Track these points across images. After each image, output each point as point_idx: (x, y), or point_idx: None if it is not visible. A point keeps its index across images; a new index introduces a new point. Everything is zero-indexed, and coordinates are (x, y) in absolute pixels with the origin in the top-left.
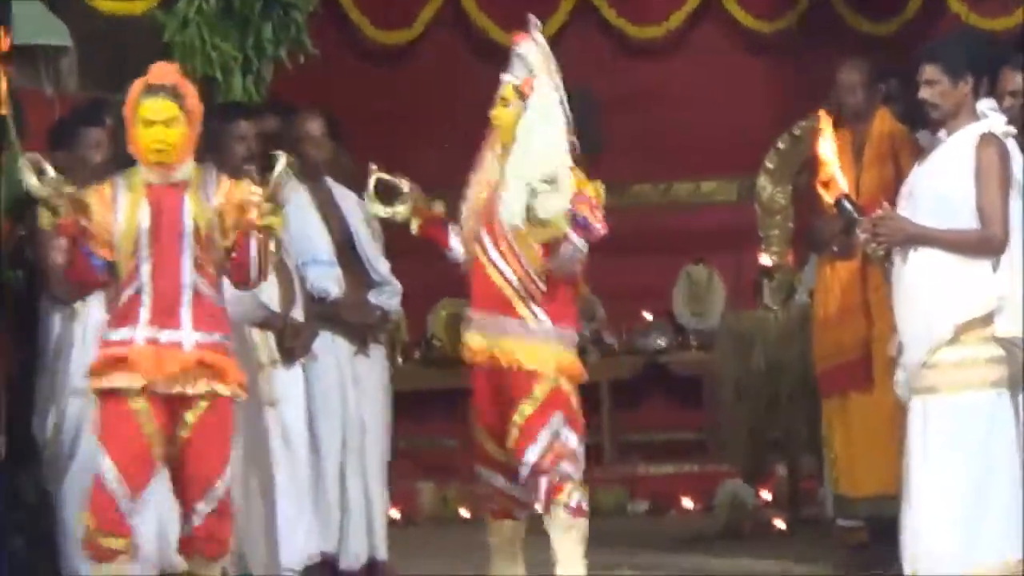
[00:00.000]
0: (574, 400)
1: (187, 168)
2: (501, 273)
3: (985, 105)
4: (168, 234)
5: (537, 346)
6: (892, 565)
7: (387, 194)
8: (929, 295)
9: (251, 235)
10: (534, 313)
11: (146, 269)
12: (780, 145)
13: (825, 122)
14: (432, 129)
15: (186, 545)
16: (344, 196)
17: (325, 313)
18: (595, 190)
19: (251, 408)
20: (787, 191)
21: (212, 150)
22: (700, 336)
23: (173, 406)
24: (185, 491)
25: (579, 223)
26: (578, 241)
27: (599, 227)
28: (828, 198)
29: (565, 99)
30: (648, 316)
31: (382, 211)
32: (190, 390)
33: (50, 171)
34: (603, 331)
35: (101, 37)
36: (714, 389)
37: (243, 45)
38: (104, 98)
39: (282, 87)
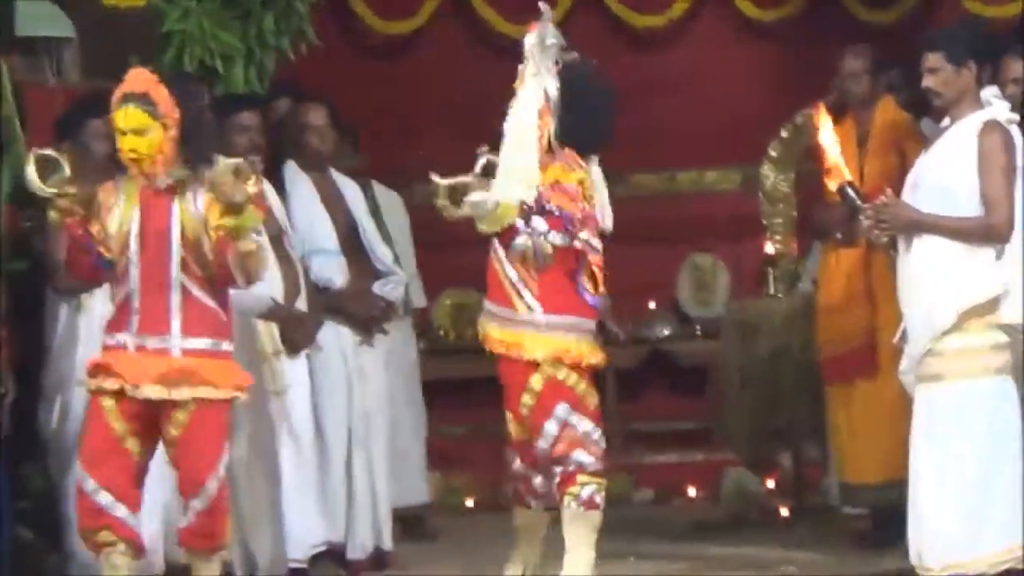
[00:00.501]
0: (580, 386)
1: (175, 173)
2: (500, 263)
3: (989, 93)
4: (156, 239)
5: (528, 335)
6: (896, 552)
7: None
8: (932, 282)
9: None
10: (527, 303)
11: (135, 273)
12: (783, 134)
13: (823, 114)
14: (434, 119)
15: (183, 539)
16: (348, 186)
17: (329, 304)
18: (579, 180)
19: (256, 398)
20: (790, 179)
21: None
22: (704, 325)
23: (162, 407)
24: (181, 488)
25: (551, 212)
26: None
27: (578, 217)
28: (831, 186)
29: (555, 88)
30: (652, 305)
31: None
32: (175, 395)
33: (65, 169)
34: (607, 320)
35: (103, 28)
36: (717, 378)
37: (245, 35)
38: (107, 89)
39: (284, 78)
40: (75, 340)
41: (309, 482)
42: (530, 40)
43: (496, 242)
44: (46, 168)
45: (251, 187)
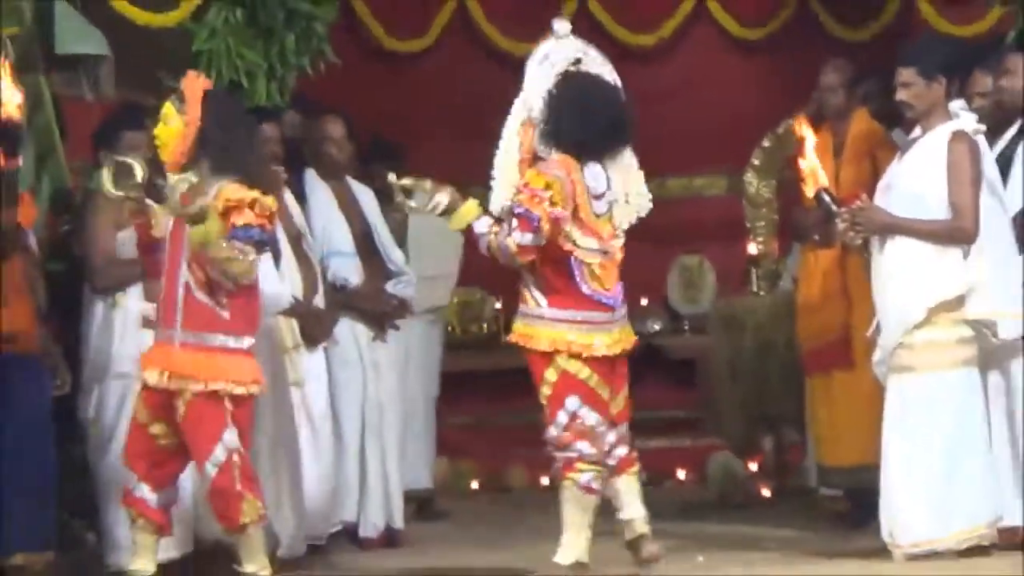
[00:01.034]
0: (592, 379)
1: (183, 178)
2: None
3: (957, 105)
4: (175, 242)
5: (538, 328)
6: (870, 531)
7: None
8: (904, 280)
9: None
10: (535, 298)
11: (165, 272)
12: (765, 143)
13: (804, 125)
14: (444, 131)
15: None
16: (363, 193)
17: (346, 301)
18: (547, 183)
19: (278, 389)
20: (772, 185)
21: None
22: (692, 320)
23: (169, 396)
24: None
25: (517, 213)
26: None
27: (538, 215)
28: (808, 192)
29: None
30: (644, 302)
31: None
32: (171, 385)
33: (138, 175)
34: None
35: (136, 46)
36: (706, 369)
37: (268, 54)
38: (139, 102)
39: (304, 93)
40: (111, 335)
41: (326, 466)
42: (533, 54)
43: None
44: (121, 174)
45: (208, 197)
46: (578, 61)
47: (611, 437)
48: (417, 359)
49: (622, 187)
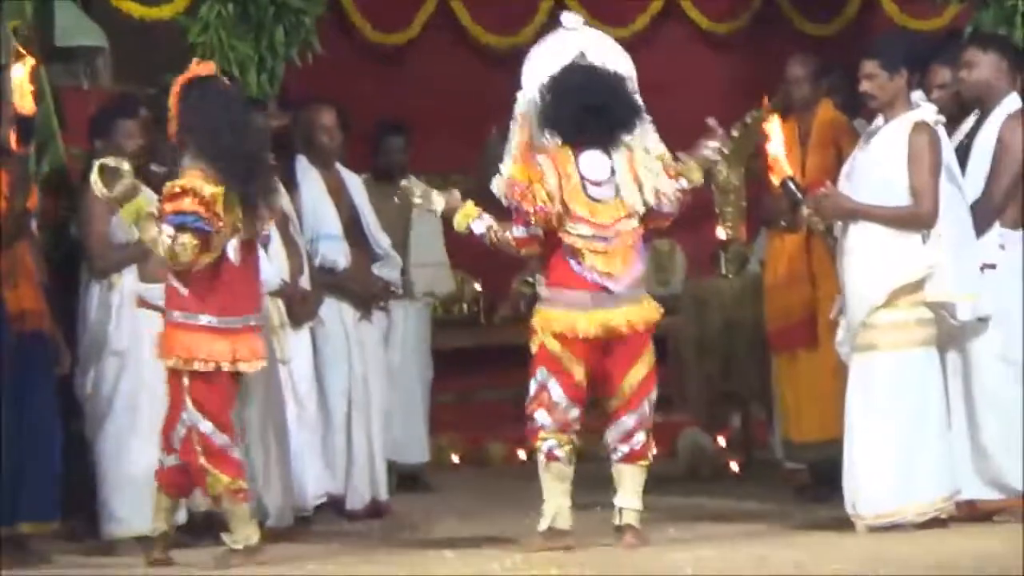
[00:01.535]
0: (565, 356)
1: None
2: None
3: (917, 96)
4: None
5: (536, 310)
6: (833, 503)
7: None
8: (866, 264)
9: None
10: (538, 281)
11: None
12: (734, 133)
13: (771, 115)
14: (427, 121)
15: None
16: (351, 179)
17: (333, 283)
18: (527, 176)
19: (267, 366)
20: (740, 173)
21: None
22: (664, 302)
23: None
24: None
25: (511, 208)
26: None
27: (527, 209)
28: (774, 180)
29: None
30: None
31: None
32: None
33: (127, 176)
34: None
35: (133, 38)
36: (677, 348)
37: (258, 46)
38: (134, 92)
39: (293, 84)
40: (107, 314)
41: (312, 441)
42: (535, 47)
43: None
44: (109, 175)
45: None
46: (583, 53)
47: (632, 421)
48: (414, 341)
49: (630, 172)
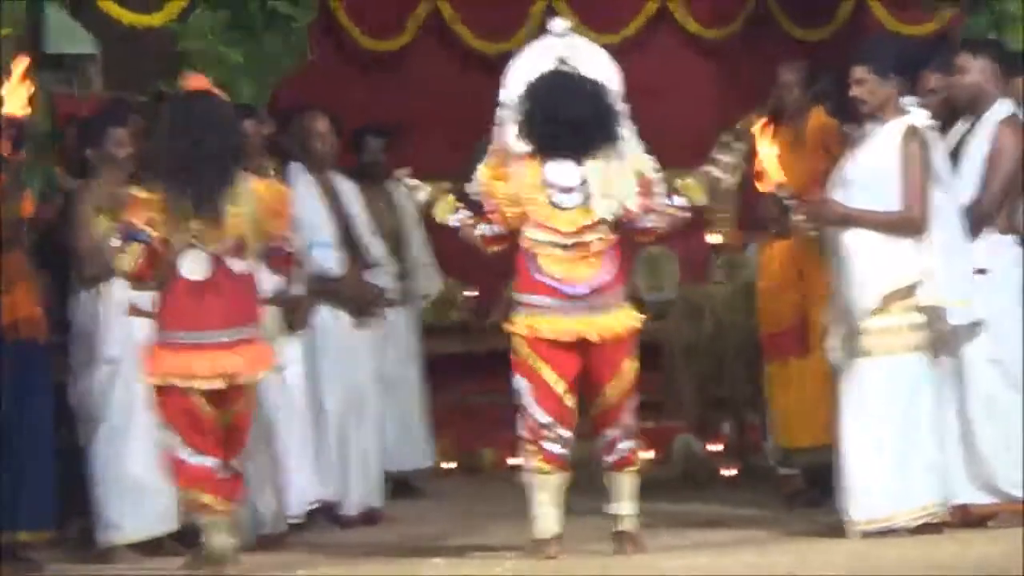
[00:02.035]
0: (536, 363)
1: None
2: None
3: (908, 101)
4: None
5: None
6: (825, 508)
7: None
8: (858, 269)
9: None
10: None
11: None
12: (723, 139)
13: (760, 125)
14: (420, 127)
15: None
16: (345, 186)
17: (327, 290)
18: (491, 176)
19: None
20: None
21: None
22: (656, 307)
23: None
24: None
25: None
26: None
27: (487, 208)
28: (763, 188)
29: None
30: None
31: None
32: None
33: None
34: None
35: (124, 45)
36: (670, 354)
37: (249, 53)
38: (125, 99)
39: (284, 90)
40: (96, 322)
41: (304, 448)
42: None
43: None
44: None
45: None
46: (564, 60)
47: (615, 432)
48: (411, 344)
49: (602, 182)
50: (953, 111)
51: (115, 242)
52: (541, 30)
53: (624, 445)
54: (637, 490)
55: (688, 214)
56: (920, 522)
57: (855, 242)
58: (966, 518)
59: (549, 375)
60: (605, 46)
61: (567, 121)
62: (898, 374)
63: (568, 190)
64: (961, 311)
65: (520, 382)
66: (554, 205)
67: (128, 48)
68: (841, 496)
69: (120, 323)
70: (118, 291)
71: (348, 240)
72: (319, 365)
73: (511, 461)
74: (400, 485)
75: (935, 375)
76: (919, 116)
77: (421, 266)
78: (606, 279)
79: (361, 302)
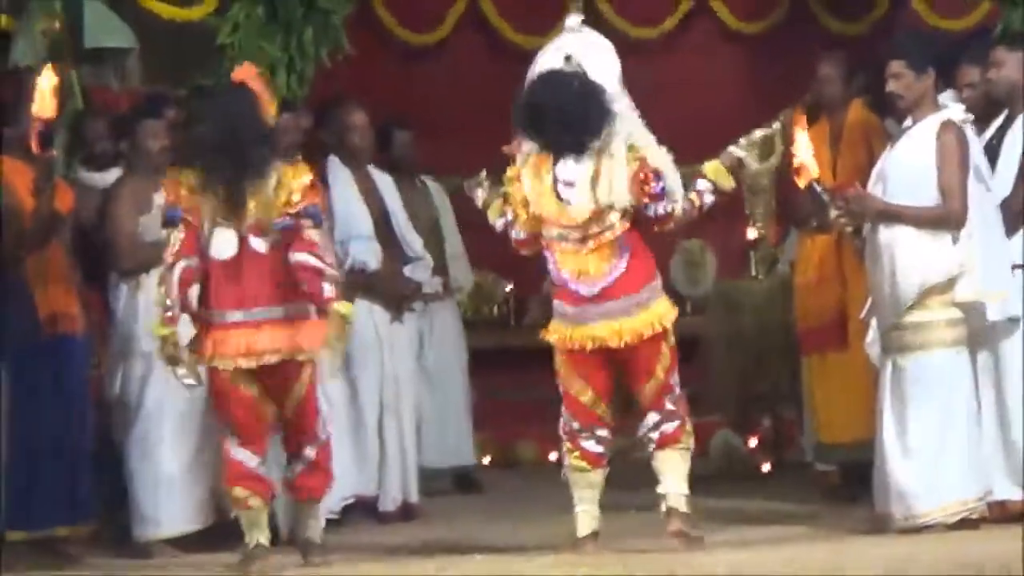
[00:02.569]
0: (563, 369)
1: None
2: None
3: (945, 96)
4: None
5: None
6: (863, 504)
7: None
8: (896, 264)
9: None
10: None
11: None
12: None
13: (799, 118)
14: (455, 122)
15: None
16: (383, 180)
17: (364, 284)
18: (507, 178)
19: None
20: (770, 174)
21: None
22: (694, 302)
23: None
24: None
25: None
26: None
27: (507, 211)
28: (801, 183)
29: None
30: None
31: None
32: None
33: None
34: None
35: (162, 39)
36: (707, 349)
37: (287, 47)
38: (164, 93)
39: (322, 84)
40: (134, 315)
41: (340, 441)
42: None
43: None
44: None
45: None
46: (569, 57)
47: (657, 416)
48: (456, 338)
49: (605, 173)
50: (990, 106)
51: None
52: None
53: (669, 425)
54: (685, 470)
55: (712, 198)
56: (958, 518)
57: (893, 237)
58: (1003, 514)
59: (574, 385)
60: (643, 40)
61: (550, 119)
62: (936, 370)
63: (571, 184)
64: (999, 306)
65: (560, 387)
66: (560, 200)
67: (167, 42)
68: (878, 492)
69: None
70: (155, 284)
71: (386, 234)
72: (355, 359)
73: (551, 456)
74: (461, 479)
75: (973, 371)
76: (955, 111)
77: (455, 259)
78: (619, 273)
79: (397, 296)
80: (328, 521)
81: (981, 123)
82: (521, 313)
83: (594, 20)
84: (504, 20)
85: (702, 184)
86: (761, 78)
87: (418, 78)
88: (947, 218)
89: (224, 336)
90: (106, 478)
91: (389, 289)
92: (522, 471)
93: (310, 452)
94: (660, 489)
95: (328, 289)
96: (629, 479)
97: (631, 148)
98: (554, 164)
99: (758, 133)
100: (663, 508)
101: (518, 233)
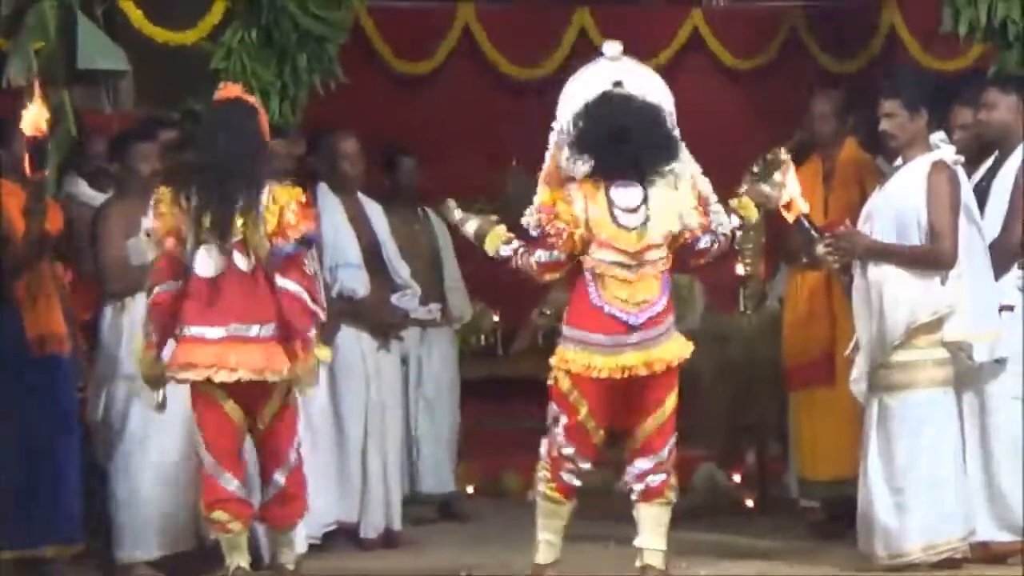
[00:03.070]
0: (572, 395)
1: None
2: None
3: (937, 137)
4: None
5: (558, 347)
6: (846, 541)
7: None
8: (885, 303)
9: None
10: (563, 318)
11: None
12: (754, 169)
13: (786, 156)
14: (449, 150)
15: None
16: (372, 208)
17: (352, 311)
18: (554, 199)
19: None
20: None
21: None
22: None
23: None
24: None
25: (534, 233)
26: (506, 252)
27: (550, 231)
28: (789, 219)
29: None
30: None
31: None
32: None
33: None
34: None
35: (155, 62)
36: (693, 382)
37: (280, 73)
38: (157, 116)
39: (315, 111)
40: (118, 337)
41: (324, 468)
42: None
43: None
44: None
45: None
46: (619, 83)
47: (648, 463)
48: (449, 368)
49: (663, 202)
50: (981, 148)
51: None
52: (573, 56)
53: (656, 477)
54: (666, 524)
55: (739, 232)
56: (942, 557)
57: (882, 275)
58: (986, 555)
59: (584, 413)
60: None
61: (630, 141)
62: (922, 409)
63: (631, 210)
64: (986, 347)
65: (556, 411)
66: (619, 225)
67: (160, 66)
68: (862, 530)
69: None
70: (141, 306)
71: (374, 262)
72: (341, 386)
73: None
74: (445, 507)
75: (958, 411)
76: (947, 152)
77: (454, 289)
78: (662, 305)
79: (384, 324)
80: (310, 547)
81: (971, 165)
82: (508, 343)
83: (591, 53)
84: (497, 51)
85: (735, 220)
86: (753, 113)
87: (411, 107)
88: (938, 258)
89: (203, 351)
90: (89, 500)
91: (376, 317)
92: (507, 501)
93: (279, 478)
94: (638, 543)
95: (311, 331)
96: (611, 513)
97: (691, 177)
98: (607, 189)
99: (777, 176)
100: (639, 563)
101: (555, 255)
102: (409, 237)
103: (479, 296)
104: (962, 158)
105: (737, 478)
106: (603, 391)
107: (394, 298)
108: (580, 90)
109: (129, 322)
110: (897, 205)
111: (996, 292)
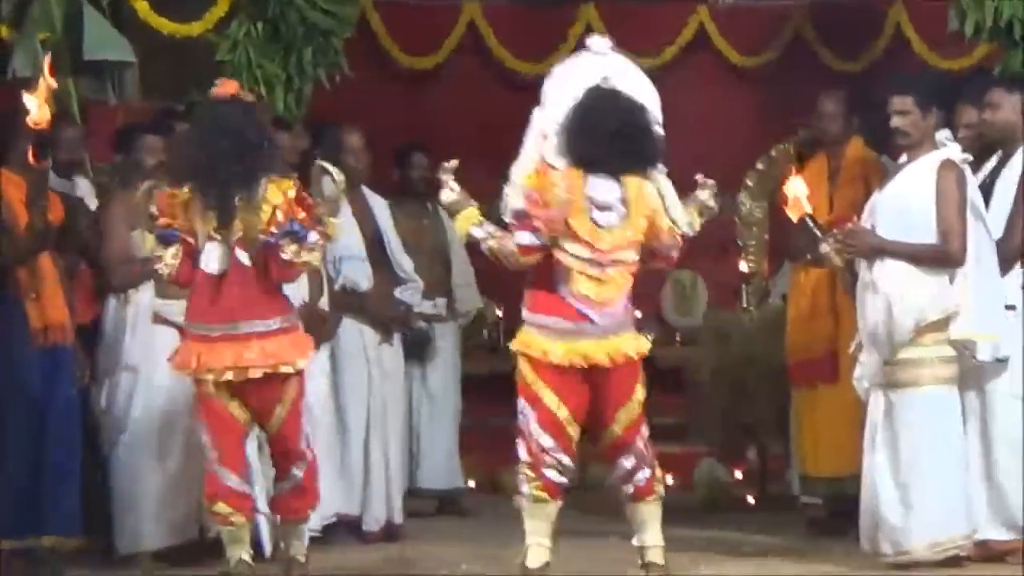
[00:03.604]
0: (537, 384)
1: None
2: None
3: (943, 135)
4: None
5: (519, 331)
6: (847, 539)
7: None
8: (891, 301)
9: None
10: (524, 301)
11: None
12: (759, 166)
13: (790, 153)
14: (453, 145)
15: None
16: (376, 201)
17: (355, 305)
18: (539, 184)
19: None
20: (764, 207)
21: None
22: (684, 333)
23: None
24: None
25: (516, 215)
26: (479, 233)
27: (538, 215)
28: (793, 217)
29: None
30: (639, 314)
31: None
32: None
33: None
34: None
35: (161, 54)
36: (695, 379)
37: (286, 66)
38: (172, 108)
39: (320, 104)
40: (122, 329)
41: (325, 460)
42: (557, 67)
43: None
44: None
45: None
46: (606, 77)
47: (629, 462)
48: (452, 361)
49: (638, 202)
50: (985, 147)
51: (156, 250)
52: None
53: (641, 475)
54: (659, 519)
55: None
56: (945, 555)
57: (888, 273)
58: (987, 553)
59: (551, 400)
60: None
61: (618, 138)
62: (926, 407)
63: (606, 208)
64: (990, 346)
65: (523, 405)
66: (593, 222)
67: (166, 58)
68: (865, 527)
69: (143, 331)
70: (145, 298)
71: (378, 255)
72: (342, 379)
73: None
74: (446, 502)
75: (962, 409)
76: (953, 150)
77: (463, 284)
78: (621, 307)
79: (387, 318)
80: (311, 539)
81: (975, 164)
82: (508, 338)
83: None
84: (503, 46)
85: (688, 230)
86: (758, 112)
87: (416, 101)
88: (945, 256)
89: (210, 349)
90: (91, 491)
91: (379, 310)
92: (507, 497)
93: (298, 472)
94: (637, 542)
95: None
96: (609, 507)
97: (661, 180)
98: (586, 183)
99: (703, 192)
100: (641, 561)
101: (540, 238)
102: (416, 232)
103: (484, 291)
104: (969, 157)
105: (738, 474)
106: (566, 380)
107: (397, 292)
108: (568, 82)
109: (133, 313)
110: (903, 202)
111: (1002, 291)
